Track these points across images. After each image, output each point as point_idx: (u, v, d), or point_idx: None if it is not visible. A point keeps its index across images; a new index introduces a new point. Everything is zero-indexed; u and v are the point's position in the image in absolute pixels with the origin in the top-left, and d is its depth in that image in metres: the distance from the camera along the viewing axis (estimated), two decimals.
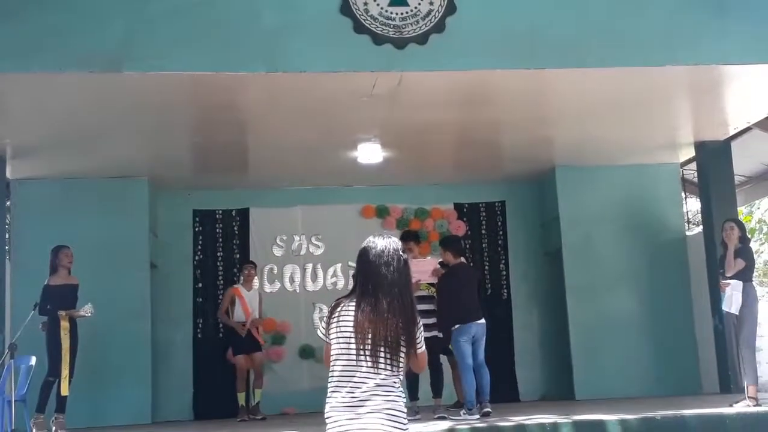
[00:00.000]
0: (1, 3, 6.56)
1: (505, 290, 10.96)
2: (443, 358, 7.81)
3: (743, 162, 10.53)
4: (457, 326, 7.33)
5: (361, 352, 3.04)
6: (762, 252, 18.35)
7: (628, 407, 7.29)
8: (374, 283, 3.12)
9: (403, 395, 3.13)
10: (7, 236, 9.27)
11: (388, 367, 3.05)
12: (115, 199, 9.62)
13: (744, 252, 7.23)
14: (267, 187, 10.64)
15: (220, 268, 10.60)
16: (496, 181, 10.92)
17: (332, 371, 3.10)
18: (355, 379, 3.04)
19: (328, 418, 3.07)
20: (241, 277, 9.38)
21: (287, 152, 9.20)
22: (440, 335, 7.46)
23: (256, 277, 9.45)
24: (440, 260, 7.80)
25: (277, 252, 10.70)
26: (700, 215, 10.59)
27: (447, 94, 7.65)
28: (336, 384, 3.08)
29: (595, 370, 9.83)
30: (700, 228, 10.22)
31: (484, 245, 11.05)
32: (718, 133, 9.36)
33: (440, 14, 6.94)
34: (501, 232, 11.09)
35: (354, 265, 3.34)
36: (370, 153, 9.28)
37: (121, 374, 9.26)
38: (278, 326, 10.38)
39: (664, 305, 10.12)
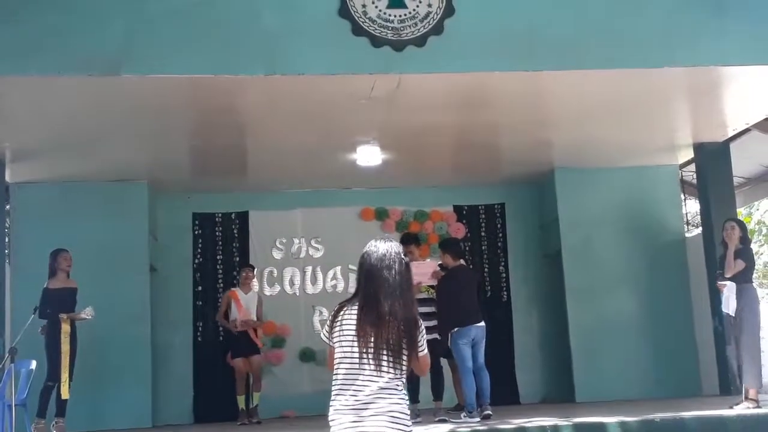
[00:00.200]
0: (0, 5, 6.56)
1: (505, 293, 10.96)
2: (444, 361, 7.78)
3: (742, 163, 10.53)
4: (456, 329, 7.32)
5: (364, 356, 3.06)
6: (762, 253, 18.37)
7: (628, 409, 7.29)
8: (376, 287, 3.14)
9: (407, 397, 3.15)
10: (6, 240, 9.27)
11: (391, 370, 3.07)
12: (115, 203, 9.61)
13: (744, 253, 7.22)
14: (266, 190, 10.64)
15: (220, 271, 10.59)
16: (495, 183, 10.92)
17: (336, 374, 3.13)
18: (358, 382, 3.06)
19: (332, 420, 3.09)
20: (239, 281, 9.39)
21: (286, 155, 9.20)
22: (440, 338, 7.44)
23: (254, 280, 9.45)
24: (440, 263, 7.79)
25: (277, 255, 10.70)
26: (699, 217, 10.58)
27: (445, 96, 7.65)
28: (340, 387, 3.10)
29: (595, 372, 9.83)
30: (700, 230, 10.22)
31: (483, 247, 11.05)
32: (717, 134, 9.36)
33: (438, 16, 6.95)
34: (500, 235, 11.08)
35: (354, 268, 3.35)
36: (369, 155, 9.27)
37: (121, 377, 9.25)
38: (278, 329, 10.37)
39: (664, 307, 10.12)
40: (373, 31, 6.87)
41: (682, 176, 10.91)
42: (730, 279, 7.16)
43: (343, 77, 6.97)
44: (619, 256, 10.23)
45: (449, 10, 6.97)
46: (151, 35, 6.73)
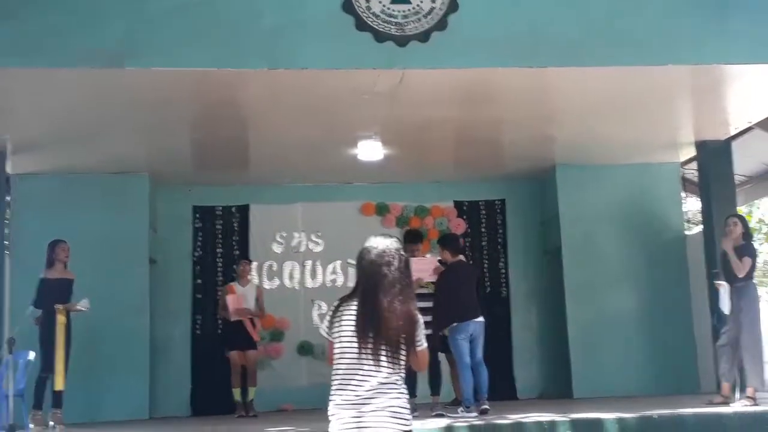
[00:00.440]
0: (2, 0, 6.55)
1: (505, 288, 10.96)
2: (441, 356, 7.78)
3: (744, 162, 10.52)
4: (454, 324, 7.32)
5: (363, 351, 3.07)
6: (762, 252, 18.40)
7: (626, 406, 7.29)
8: (375, 282, 3.15)
9: (406, 392, 3.16)
10: (6, 231, 9.27)
11: (390, 365, 3.08)
12: (115, 195, 9.61)
13: (748, 248, 7.22)
14: (267, 184, 10.64)
15: (220, 264, 10.59)
16: (496, 179, 10.92)
17: (336, 370, 3.14)
18: (358, 377, 3.08)
19: (332, 415, 3.11)
20: (237, 274, 9.43)
21: (288, 149, 9.19)
22: (442, 333, 7.43)
23: (252, 273, 9.44)
24: (439, 258, 7.78)
25: (277, 249, 10.70)
26: (700, 215, 10.59)
27: (448, 91, 7.64)
28: (339, 382, 3.11)
29: (593, 368, 9.83)
30: (700, 227, 10.22)
31: (483, 243, 11.05)
32: (719, 132, 9.35)
33: (442, 12, 6.93)
34: (501, 231, 11.08)
35: (354, 263, 3.36)
36: (370, 150, 9.27)
37: (119, 369, 9.25)
38: (277, 323, 10.37)
39: (663, 304, 10.12)
40: (376, 26, 6.87)
41: (683, 174, 10.92)
42: (743, 278, 7.13)
43: (346, 72, 6.95)
44: (620, 253, 10.24)
45: (453, 6, 6.96)
46: (154, 28, 6.71)
